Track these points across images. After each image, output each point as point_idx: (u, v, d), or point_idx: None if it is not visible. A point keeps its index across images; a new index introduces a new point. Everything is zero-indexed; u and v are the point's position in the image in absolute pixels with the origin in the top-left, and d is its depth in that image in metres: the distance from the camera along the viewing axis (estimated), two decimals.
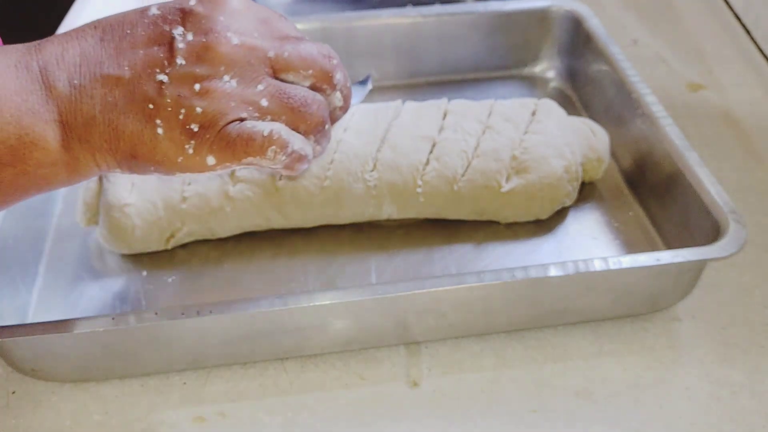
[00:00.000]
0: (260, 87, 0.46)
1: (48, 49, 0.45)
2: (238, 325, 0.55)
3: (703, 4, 0.97)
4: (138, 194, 0.63)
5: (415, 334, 0.59)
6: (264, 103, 0.46)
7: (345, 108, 0.52)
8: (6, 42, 0.80)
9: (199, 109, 0.44)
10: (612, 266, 0.55)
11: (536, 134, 0.66)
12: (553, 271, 0.55)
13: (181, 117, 0.44)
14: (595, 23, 0.79)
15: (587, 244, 0.66)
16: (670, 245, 0.64)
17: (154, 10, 0.46)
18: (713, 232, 0.58)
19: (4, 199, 0.45)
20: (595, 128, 0.70)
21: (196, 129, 0.44)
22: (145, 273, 0.64)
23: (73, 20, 0.92)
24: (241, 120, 0.45)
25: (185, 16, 0.46)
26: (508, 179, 0.65)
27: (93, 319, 0.55)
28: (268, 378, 0.57)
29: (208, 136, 0.45)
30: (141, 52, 0.45)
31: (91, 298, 0.63)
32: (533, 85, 0.84)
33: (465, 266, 0.64)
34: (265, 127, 0.45)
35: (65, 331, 0.53)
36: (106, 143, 0.45)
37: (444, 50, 0.83)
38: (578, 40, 0.81)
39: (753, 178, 0.72)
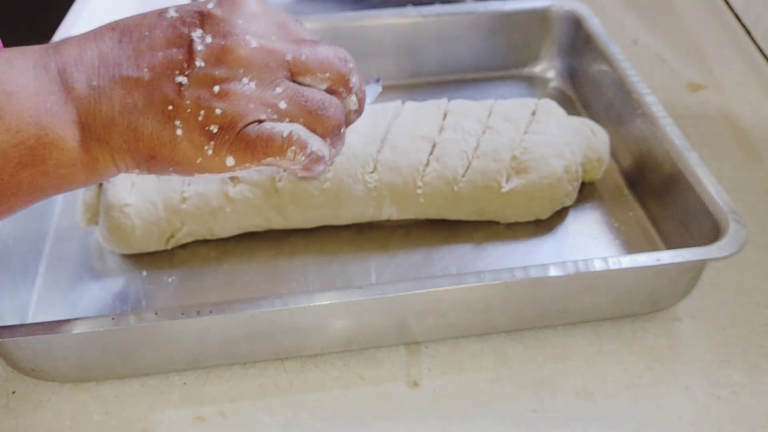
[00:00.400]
0: (278, 89, 0.46)
1: (66, 51, 0.45)
2: (238, 325, 0.55)
3: (703, 4, 0.97)
4: (138, 194, 0.63)
5: (415, 334, 0.59)
6: (282, 105, 0.46)
7: (359, 111, 0.52)
8: (6, 43, 0.80)
9: (218, 111, 0.44)
10: (612, 266, 0.55)
11: (536, 134, 0.66)
12: (553, 271, 0.55)
13: (200, 118, 0.44)
14: (595, 23, 0.79)
15: (587, 244, 0.66)
16: (670, 245, 0.64)
17: (172, 13, 0.47)
18: (713, 232, 0.58)
19: (24, 199, 0.45)
20: (595, 128, 0.70)
21: (215, 130, 0.45)
22: (145, 273, 0.64)
23: (72, 20, 0.92)
24: (260, 122, 0.45)
25: (204, 19, 0.46)
26: (508, 179, 0.65)
27: (93, 319, 0.55)
28: (268, 378, 0.57)
29: (227, 137, 0.45)
30: (160, 53, 0.45)
31: (91, 298, 0.63)
32: (533, 85, 0.84)
33: (465, 266, 0.64)
34: (284, 128, 0.46)
35: (65, 331, 0.53)
36: (125, 144, 0.45)
37: (444, 50, 0.83)
38: (578, 40, 0.81)
39: (753, 178, 0.72)
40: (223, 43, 0.45)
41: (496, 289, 0.56)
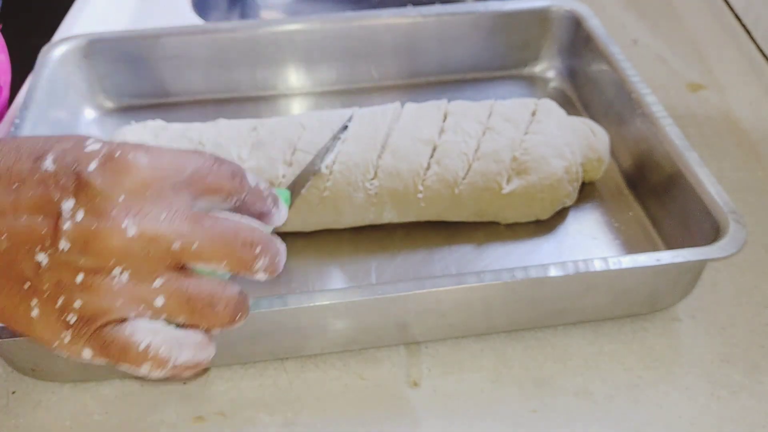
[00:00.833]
0: (157, 283, 0.41)
1: None
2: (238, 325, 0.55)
3: (703, 4, 0.97)
4: None
5: (415, 334, 0.59)
6: (159, 301, 0.41)
7: (272, 275, 0.46)
8: (9, 43, 0.80)
9: (78, 303, 0.39)
10: (612, 266, 0.55)
11: (536, 134, 0.66)
12: (553, 271, 0.55)
13: (58, 306, 0.40)
14: (595, 23, 0.79)
15: (587, 244, 0.66)
16: (670, 245, 0.64)
17: (48, 164, 0.40)
18: (713, 232, 0.58)
19: None
20: (595, 128, 0.70)
21: (72, 321, 0.40)
22: None
23: (72, 20, 0.92)
24: (124, 320, 0.41)
25: (80, 187, 0.39)
26: (508, 180, 0.65)
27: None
28: (268, 378, 0.57)
29: (84, 331, 0.40)
30: (24, 218, 0.39)
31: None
32: (533, 85, 0.84)
33: (465, 266, 0.64)
34: (143, 339, 0.41)
35: None
36: None
37: (444, 50, 0.83)
38: (578, 40, 0.81)
39: (753, 178, 0.72)
40: (94, 226, 0.39)
41: (496, 289, 0.56)
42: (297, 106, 0.82)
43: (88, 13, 0.93)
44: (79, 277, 0.39)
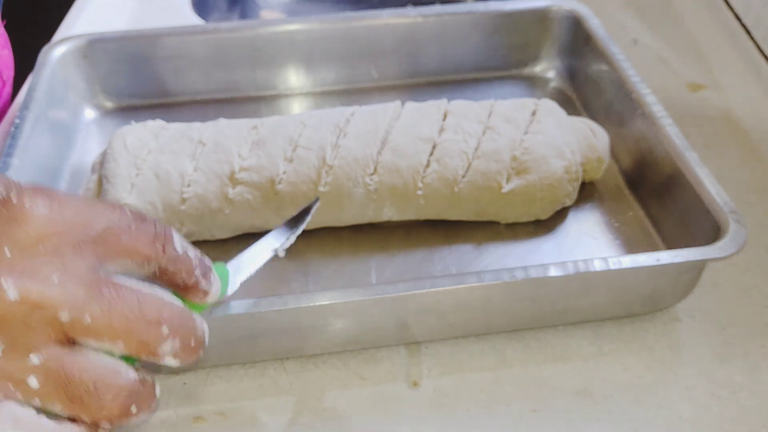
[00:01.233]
0: (34, 359, 0.35)
1: None
2: (238, 325, 0.55)
3: (703, 4, 0.97)
4: (137, 195, 0.63)
5: (415, 334, 0.59)
6: (33, 382, 0.35)
7: (186, 364, 0.40)
8: (12, 41, 0.81)
9: None
10: (612, 266, 0.55)
11: (536, 134, 0.66)
12: (553, 271, 0.55)
13: None
14: (595, 23, 0.79)
15: (587, 244, 0.66)
16: (670, 245, 0.64)
17: None
18: (713, 232, 0.58)
19: None
20: (595, 128, 0.70)
21: None
22: None
23: (72, 20, 0.92)
24: None
25: None
26: (508, 180, 0.65)
27: None
28: (268, 378, 0.57)
29: None
30: None
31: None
32: (533, 85, 0.84)
33: (465, 266, 0.64)
34: (3, 424, 0.35)
35: None
36: None
37: (444, 50, 0.83)
38: (578, 40, 0.81)
39: (753, 178, 0.72)
40: None
41: (496, 289, 0.56)
42: (297, 106, 0.82)
43: (88, 13, 0.93)
44: None
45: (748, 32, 0.91)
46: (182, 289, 0.42)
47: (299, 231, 0.55)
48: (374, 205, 0.65)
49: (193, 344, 0.39)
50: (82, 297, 0.35)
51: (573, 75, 0.82)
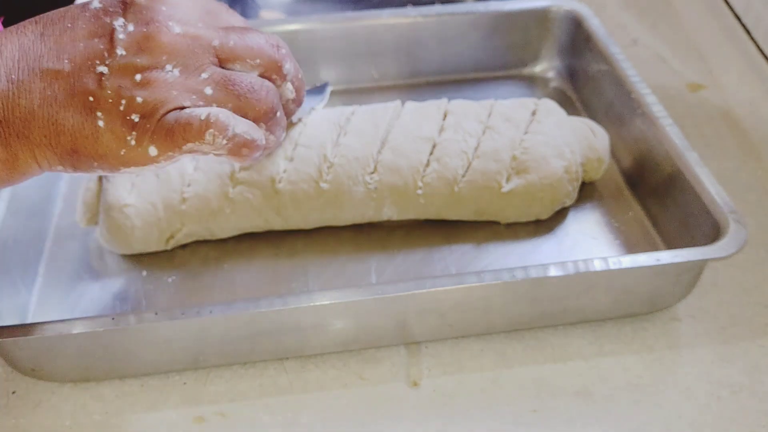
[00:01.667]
0: (204, 75, 0.46)
1: None
2: (238, 325, 0.55)
3: (703, 4, 0.97)
4: (138, 195, 0.63)
5: (415, 334, 0.59)
6: (208, 91, 0.46)
7: (298, 101, 0.52)
8: None
9: (139, 99, 0.44)
10: (612, 266, 0.55)
11: (536, 134, 0.66)
12: (553, 271, 0.55)
13: (121, 108, 0.44)
14: (595, 23, 0.79)
15: (587, 244, 0.66)
16: (670, 245, 0.64)
17: (96, 3, 0.46)
18: (713, 232, 0.58)
19: None
20: (595, 128, 0.70)
21: (137, 119, 0.44)
22: (145, 273, 0.64)
23: None
24: (183, 108, 0.45)
25: (126, 7, 0.45)
26: (508, 180, 0.65)
27: (93, 319, 0.55)
28: (268, 378, 0.57)
29: (148, 125, 0.44)
30: (81, 45, 0.44)
31: (91, 298, 0.63)
32: (533, 85, 0.84)
33: (465, 266, 0.64)
34: (202, 111, 0.45)
35: (65, 331, 0.53)
36: (45, 138, 0.44)
37: (444, 50, 0.83)
38: (578, 40, 0.81)
39: (753, 178, 0.72)
40: (144, 30, 0.44)
41: (496, 289, 0.56)
42: None
43: None
44: (137, 77, 0.44)
45: (748, 32, 0.91)
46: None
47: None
48: (374, 204, 0.65)
49: (300, 76, 0.52)
50: (223, 33, 0.47)
51: (573, 75, 0.82)
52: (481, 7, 0.82)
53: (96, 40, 0.44)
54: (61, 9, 0.46)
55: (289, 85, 0.50)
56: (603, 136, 0.70)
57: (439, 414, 0.55)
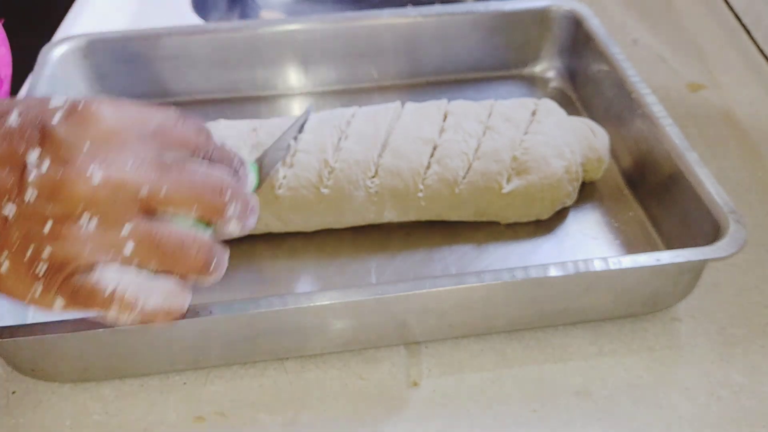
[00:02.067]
0: (126, 229, 0.41)
1: None
2: (238, 325, 0.55)
3: (703, 4, 0.97)
4: None
5: (415, 334, 0.59)
6: (128, 247, 0.41)
7: (243, 231, 0.46)
8: (12, 40, 0.80)
9: (47, 252, 0.40)
10: (612, 266, 0.55)
11: (536, 134, 0.66)
12: (553, 271, 0.55)
13: (27, 257, 0.40)
14: (595, 23, 0.79)
15: (587, 244, 0.66)
16: (670, 245, 0.64)
17: (14, 117, 0.41)
18: (713, 232, 0.58)
19: None
20: (595, 128, 0.70)
21: (42, 272, 0.40)
22: None
23: (72, 20, 0.92)
24: (94, 267, 0.41)
25: (44, 138, 0.40)
26: (508, 180, 0.65)
27: (93, 319, 0.55)
28: (268, 378, 0.57)
29: (54, 280, 0.40)
30: None
31: None
32: (533, 85, 0.84)
33: (465, 266, 0.64)
34: (110, 283, 0.41)
35: (65, 331, 0.53)
36: None
37: (444, 50, 0.83)
38: (578, 40, 0.81)
39: (753, 178, 0.72)
40: (60, 174, 0.39)
41: (496, 289, 0.56)
42: (297, 106, 0.82)
43: (88, 13, 0.93)
44: (48, 226, 0.40)
45: (748, 32, 0.91)
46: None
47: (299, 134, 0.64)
48: (375, 207, 0.65)
49: (249, 208, 0.45)
50: (155, 175, 0.41)
51: (573, 75, 0.82)
52: (481, 7, 0.82)
53: (5, 171, 0.39)
54: None
55: (232, 225, 0.45)
56: (603, 136, 0.70)
57: (439, 414, 0.55)
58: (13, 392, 0.57)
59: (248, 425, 0.55)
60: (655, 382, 0.57)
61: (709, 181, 0.61)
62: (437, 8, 0.82)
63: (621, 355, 0.58)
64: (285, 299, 0.54)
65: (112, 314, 0.42)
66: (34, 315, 0.61)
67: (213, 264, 0.44)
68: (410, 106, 0.69)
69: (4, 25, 0.80)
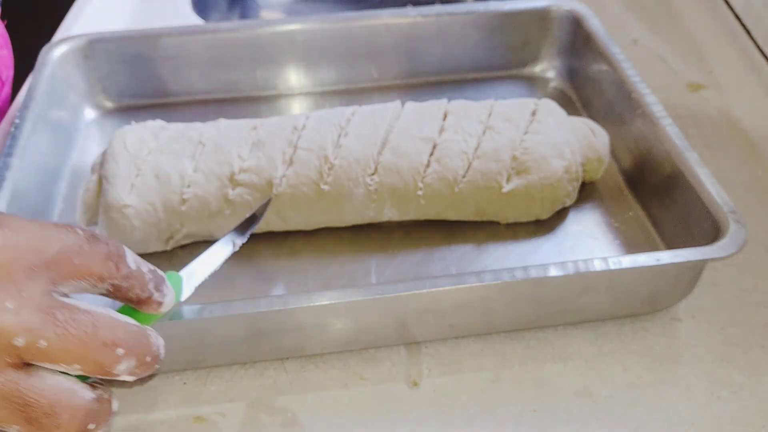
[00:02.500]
0: None
1: None
2: (238, 325, 0.55)
3: (703, 4, 0.97)
4: (137, 196, 0.63)
5: (415, 334, 0.59)
6: None
7: (142, 375, 0.41)
8: (14, 40, 0.81)
9: None
10: (612, 266, 0.55)
11: (536, 134, 0.66)
12: (553, 271, 0.55)
13: None
14: (595, 23, 0.79)
15: (587, 244, 0.66)
16: (670, 245, 0.64)
17: None
18: (713, 232, 0.58)
19: None
20: (595, 128, 0.70)
21: None
22: None
23: (72, 20, 0.92)
24: None
25: None
26: (508, 180, 0.65)
27: None
28: (268, 378, 0.57)
29: None
30: None
31: (91, 298, 0.62)
32: (533, 85, 0.84)
33: (465, 266, 0.64)
34: None
35: None
36: None
37: (444, 50, 0.83)
38: (578, 40, 0.81)
39: (753, 179, 0.72)
40: None
41: (496, 289, 0.56)
42: (297, 106, 0.82)
43: (88, 13, 0.93)
44: None
45: (748, 32, 0.91)
46: (136, 302, 0.43)
47: (249, 234, 0.56)
48: (375, 205, 0.65)
49: (148, 360, 0.40)
50: (37, 322, 0.36)
51: (573, 75, 0.82)
52: (481, 7, 0.82)
53: None
54: None
55: (125, 378, 0.40)
56: (603, 136, 0.70)
57: (439, 414, 0.55)
58: None
59: (248, 425, 0.55)
60: (655, 382, 0.57)
61: (709, 181, 0.61)
62: (437, 8, 0.82)
63: (621, 355, 0.58)
64: (285, 299, 0.54)
65: None
66: None
67: (91, 426, 0.39)
68: (410, 105, 0.69)
69: (6, 28, 0.80)
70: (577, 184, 0.67)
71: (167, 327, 0.54)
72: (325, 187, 0.64)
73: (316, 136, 0.65)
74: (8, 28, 0.81)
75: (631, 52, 0.87)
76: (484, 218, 0.67)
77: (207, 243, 0.66)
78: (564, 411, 0.55)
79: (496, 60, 0.84)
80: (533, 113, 0.69)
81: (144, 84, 0.81)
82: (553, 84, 0.84)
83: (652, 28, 0.93)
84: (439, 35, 0.82)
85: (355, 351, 0.59)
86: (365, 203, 0.65)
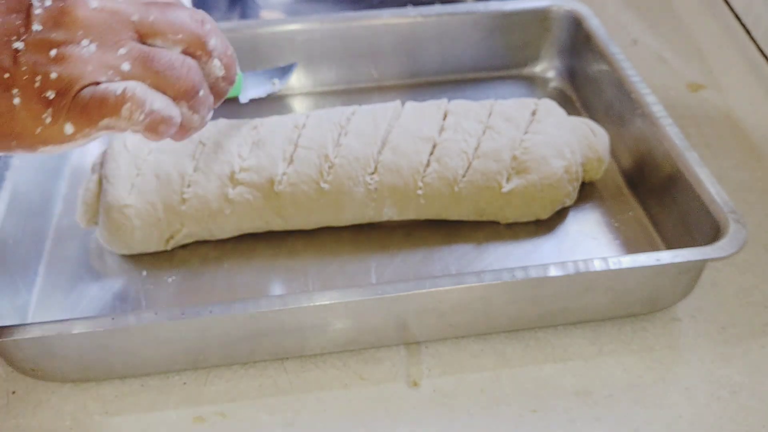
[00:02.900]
0: (122, 51, 0.45)
1: None
2: (238, 325, 0.55)
3: (703, 4, 0.97)
4: (137, 195, 0.63)
5: (415, 334, 0.59)
6: (125, 66, 0.44)
7: (229, 79, 0.51)
8: None
9: (54, 75, 0.43)
10: (612, 266, 0.55)
11: (536, 134, 0.66)
12: (553, 271, 0.55)
13: (37, 85, 0.43)
14: (595, 23, 0.79)
15: (587, 244, 0.66)
16: (670, 245, 0.64)
17: None
18: (713, 232, 0.58)
19: None
20: (595, 128, 0.70)
21: (52, 96, 0.43)
22: (145, 273, 0.64)
23: None
24: (99, 84, 0.44)
25: None
26: (508, 180, 0.65)
27: (93, 319, 0.55)
28: (268, 378, 0.57)
29: (63, 102, 0.43)
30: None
31: (91, 298, 0.63)
32: (533, 85, 0.84)
33: (465, 266, 0.64)
34: (118, 86, 0.44)
35: (65, 331, 0.53)
36: None
37: (444, 50, 0.83)
38: (578, 40, 0.81)
39: (753, 178, 0.72)
40: (61, 5, 0.44)
41: (496, 289, 0.56)
42: (297, 106, 0.82)
43: None
44: (53, 52, 0.43)
45: (748, 32, 0.91)
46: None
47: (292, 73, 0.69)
48: (374, 204, 0.65)
49: (229, 53, 0.50)
50: (144, 7, 0.46)
51: (573, 75, 0.82)
52: (481, 7, 0.82)
53: (13, 15, 0.44)
54: None
55: (216, 62, 0.49)
56: (603, 136, 0.70)
57: (439, 414, 0.55)
58: (13, 392, 0.57)
59: (248, 425, 0.55)
60: (655, 382, 0.57)
61: (709, 181, 0.61)
62: (437, 8, 0.82)
63: (621, 355, 0.58)
64: (285, 299, 0.54)
65: (124, 113, 0.44)
66: (34, 315, 0.62)
67: (201, 93, 0.47)
68: (410, 105, 0.69)
69: None
70: (577, 184, 0.67)
71: (167, 327, 0.54)
72: (325, 186, 0.64)
73: (317, 134, 0.65)
74: None
75: (631, 52, 0.87)
76: (484, 218, 0.67)
77: (207, 243, 0.66)
78: (564, 411, 0.55)
79: (496, 60, 0.84)
80: (533, 113, 0.69)
81: None
82: (553, 84, 0.84)
83: (652, 28, 0.93)
84: (439, 35, 0.82)
85: (355, 351, 0.59)
86: (365, 202, 0.65)
